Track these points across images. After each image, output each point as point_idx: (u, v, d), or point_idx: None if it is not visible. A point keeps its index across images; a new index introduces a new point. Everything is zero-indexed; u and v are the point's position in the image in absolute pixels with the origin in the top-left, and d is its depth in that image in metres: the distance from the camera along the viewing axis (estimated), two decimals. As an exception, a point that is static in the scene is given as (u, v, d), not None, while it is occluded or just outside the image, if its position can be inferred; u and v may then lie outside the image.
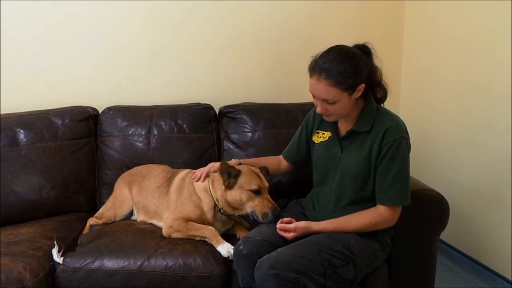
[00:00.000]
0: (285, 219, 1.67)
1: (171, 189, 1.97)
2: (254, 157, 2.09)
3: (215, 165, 1.89)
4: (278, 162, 1.99)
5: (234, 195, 1.78)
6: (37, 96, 2.34)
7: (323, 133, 1.78)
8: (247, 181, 1.76)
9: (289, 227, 1.63)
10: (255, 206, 1.75)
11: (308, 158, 1.89)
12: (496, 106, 2.18)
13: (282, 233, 1.64)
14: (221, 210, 1.84)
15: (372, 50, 1.63)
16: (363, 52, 1.60)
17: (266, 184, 1.81)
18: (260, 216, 1.74)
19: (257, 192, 1.76)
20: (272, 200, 1.78)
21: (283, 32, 2.58)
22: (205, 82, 2.54)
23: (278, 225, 1.65)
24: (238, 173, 1.77)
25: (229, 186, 1.78)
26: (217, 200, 1.83)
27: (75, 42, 2.36)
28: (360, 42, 1.64)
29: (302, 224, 1.64)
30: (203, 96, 2.45)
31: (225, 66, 2.55)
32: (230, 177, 1.77)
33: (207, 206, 1.85)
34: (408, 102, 2.80)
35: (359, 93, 1.58)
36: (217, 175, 1.83)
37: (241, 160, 1.95)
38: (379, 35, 2.66)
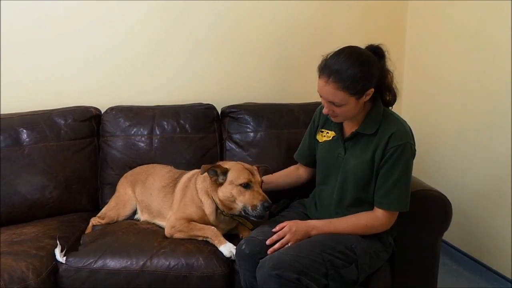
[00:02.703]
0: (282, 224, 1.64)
1: (176, 189, 1.97)
2: (256, 157, 2.09)
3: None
4: (296, 169, 1.97)
5: (224, 191, 1.76)
6: (40, 96, 2.35)
7: (327, 132, 1.77)
8: (236, 176, 1.75)
9: (280, 226, 1.61)
10: (246, 200, 1.72)
11: None
12: (499, 106, 2.18)
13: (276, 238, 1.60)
14: (224, 213, 1.83)
15: (386, 53, 1.60)
16: (376, 54, 1.58)
17: (258, 178, 1.78)
18: (250, 209, 1.71)
19: (246, 186, 1.73)
20: (263, 193, 1.74)
21: (286, 32, 2.58)
22: (207, 82, 2.54)
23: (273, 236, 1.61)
24: (225, 170, 1.77)
25: (217, 183, 1.78)
26: (216, 202, 1.83)
27: (77, 43, 2.36)
28: (372, 43, 1.61)
29: (293, 221, 1.62)
30: (205, 96, 2.45)
31: (228, 66, 2.55)
32: (217, 174, 1.77)
33: (209, 209, 1.85)
34: (411, 102, 2.79)
35: (368, 97, 1.57)
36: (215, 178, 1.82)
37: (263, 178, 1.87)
38: (382, 35, 2.63)
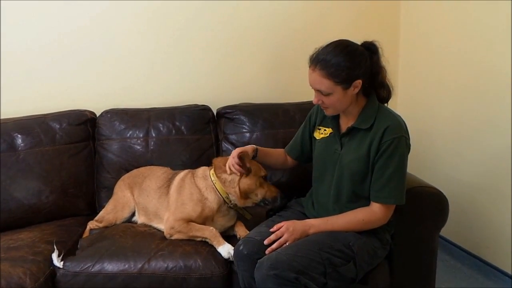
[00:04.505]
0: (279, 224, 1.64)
1: (171, 189, 1.98)
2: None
3: (238, 151, 1.80)
4: (285, 156, 1.99)
5: (250, 183, 1.84)
6: (34, 100, 2.34)
7: (325, 129, 1.78)
8: (257, 168, 1.87)
9: (278, 226, 1.62)
10: (266, 192, 1.86)
11: (311, 154, 1.89)
12: (495, 101, 2.18)
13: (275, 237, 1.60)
14: (231, 204, 1.87)
15: (379, 49, 1.63)
16: (369, 49, 1.61)
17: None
18: (271, 200, 1.86)
19: (264, 178, 1.87)
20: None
21: (281, 32, 2.58)
22: (202, 84, 2.54)
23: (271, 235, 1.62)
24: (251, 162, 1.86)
25: (245, 174, 1.84)
26: (227, 197, 1.86)
27: (71, 46, 2.35)
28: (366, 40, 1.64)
29: (290, 221, 1.63)
30: (200, 98, 2.45)
31: (222, 67, 2.55)
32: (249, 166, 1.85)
33: (214, 204, 1.87)
34: (406, 99, 2.80)
35: (356, 89, 1.58)
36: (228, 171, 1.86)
37: (258, 147, 1.91)
38: (376, 35, 2.64)
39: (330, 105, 1.62)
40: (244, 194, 1.85)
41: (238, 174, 1.82)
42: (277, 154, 1.98)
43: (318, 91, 1.60)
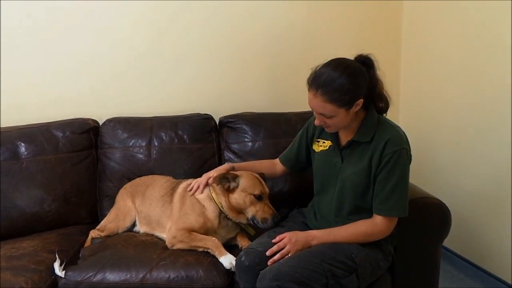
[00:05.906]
0: (282, 235, 1.64)
1: (174, 198, 1.98)
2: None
3: (210, 174, 1.89)
4: (272, 165, 1.99)
5: (237, 198, 1.81)
6: (37, 109, 2.35)
7: (324, 142, 1.78)
8: (250, 185, 1.80)
9: (280, 237, 1.61)
10: (257, 211, 1.79)
11: (307, 164, 1.89)
12: (496, 112, 2.18)
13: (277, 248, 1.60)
14: (228, 217, 1.86)
15: (375, 62, 1.62)
16: (364, 64, 1.59)
17: (267, 190, 1.85)
18: (260, 221, 1.79)
19: (259, 198, 1.80)
20: (272, 207, 1.83)
21: (282, 41, 2.59)
22: (205, 93, 2.54)
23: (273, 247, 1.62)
24: (235, 176, 1.82)
25: (230, 190, 1.82)
26: (222, 206, 1.85)
27: (74, 55, 2.37)
28: (363, 52, 1.62)
29: (292, 232, 1.63)
30: (203, 107, 2.46)
31: (225, 76, 2.56)
32: (229, 181, 1.81)
33: (212, 213, 1.87)
34: (408, 109, 2.80)
35: (358, 107, 1.58)
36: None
37: (234, 164, 1.95)
38: (378, 43, 2.66)
39: (332, 125, 1.62)
40: (234, 209, 1.83)
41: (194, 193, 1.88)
42: (261, 167, 1.96)
43: (321, 114, 1.58)
